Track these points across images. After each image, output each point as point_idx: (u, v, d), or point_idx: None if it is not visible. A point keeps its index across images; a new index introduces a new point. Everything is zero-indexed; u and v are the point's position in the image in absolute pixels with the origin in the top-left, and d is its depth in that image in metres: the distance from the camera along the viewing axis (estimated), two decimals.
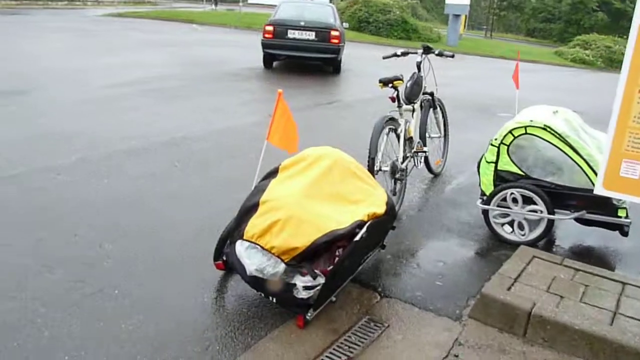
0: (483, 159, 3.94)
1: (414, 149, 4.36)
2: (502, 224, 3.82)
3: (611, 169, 2.63)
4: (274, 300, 2.73)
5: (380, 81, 4.09)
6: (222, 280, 3.07)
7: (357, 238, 2.68)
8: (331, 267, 2.68)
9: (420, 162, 4.52)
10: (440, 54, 4.61)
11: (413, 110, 4.47)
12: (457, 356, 2.56)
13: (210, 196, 4.32)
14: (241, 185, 4.55)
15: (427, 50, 4.60)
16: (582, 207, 3.55)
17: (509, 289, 2.88)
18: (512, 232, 3.79)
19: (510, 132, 3.67)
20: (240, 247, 2.69)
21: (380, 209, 2.91)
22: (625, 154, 2.58)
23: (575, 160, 3.51)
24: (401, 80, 4.09)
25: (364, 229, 2.72)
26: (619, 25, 36.15)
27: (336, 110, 8.04)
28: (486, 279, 3.27)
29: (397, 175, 4.01)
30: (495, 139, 3.73)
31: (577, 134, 3.63)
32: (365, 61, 14.48)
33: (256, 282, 2.66)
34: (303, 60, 11.44)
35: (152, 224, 3.72)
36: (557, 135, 3.53)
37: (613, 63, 24.80)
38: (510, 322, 2.74)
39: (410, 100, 4.40)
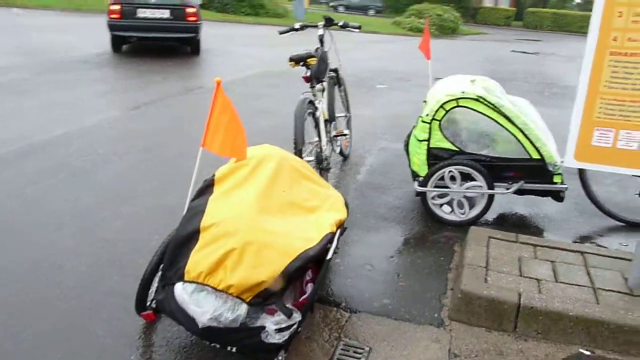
0: (412, 137, 3.65)
1: (334, 133, 3.92)
2: (441, 205, 3.58)
3: (582, 138, 2.46)
4: (234, 350, 2.13)
5: (291, 59, 3.55)
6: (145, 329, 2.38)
7: (329, 256, 2.17)
8: (305, 296, 2.15)
9: (338, 146, 4.10)
10: (344, 26, 4.18)
11: (323, 90, 4.01)
12: None
13: (101, 214, 3.46)
14: (133, 197, 3.77)
15: (329, 23, 4.14)
16: (519, 177, 3.44)
17: (485, 280, 2.61)
18: (451, 212, 3.57)
19: (441, 106, 3.40)
20: (182, 291, 2.03)
21: (342, 213, 2.43)
22: (596, 122, 2.42)
23: (510, 131, 3.35)
24: (315, 57, 3.59)
25: (335, 243, 2.22)
26: None
27: (211, 95, 7.25)
28: (446, 270, 3.00)
29: (324, 165, 3.55)
30: (427, 115, 3.43)
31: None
32: (222, 39, 13.62)
33: (211, 333, 2.03)
34: (157, 41, 10.28)
35: (28, 259, 2.82)
36: (491, 106, 3.33)
37: (444, 30, 26.77)
38: (498, 318, 2.48)
39: (318, 78, 3.92)
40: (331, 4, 38.25)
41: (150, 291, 2.30)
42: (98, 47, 10.32)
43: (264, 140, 5.16)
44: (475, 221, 3.52)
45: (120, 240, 3.19)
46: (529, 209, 3.87)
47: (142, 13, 9.41)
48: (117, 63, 9.30)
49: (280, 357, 2.13)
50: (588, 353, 2.34)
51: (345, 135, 4.04)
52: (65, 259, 2.94)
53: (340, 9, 36.04)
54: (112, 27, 9.45)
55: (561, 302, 2.44)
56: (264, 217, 2.11)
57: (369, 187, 4.19)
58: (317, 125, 3.65)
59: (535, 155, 3.36)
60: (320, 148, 3.60)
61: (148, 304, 2.32)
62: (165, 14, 9.48)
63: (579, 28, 38.06)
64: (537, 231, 3.57)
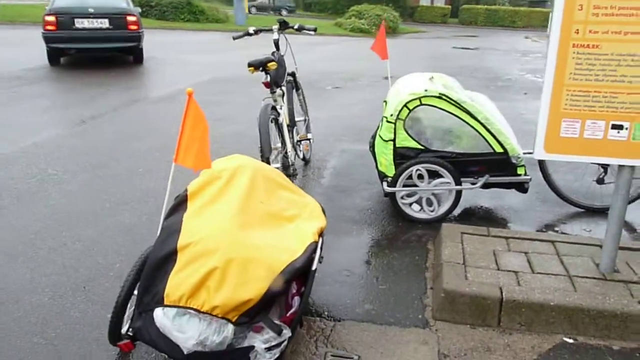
0: (377, 138, 3.63)
1: (297, 138, 3.84)
2: (410, 204, 3.57)
3: (551, 130, 2.49)
4: None
5: (250, 65, 3.46)
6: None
7: (314, 266, 2.10)
8: (292, 311, 2.07)
9: (300, 151, 4.03)
10: (300, 29, 4.11)
11: (283, 94, 3.93)
12: None
13: (57, 238, 3.23)
14: (90, 218, 3.55)
15: (283, 26, 4.06)
16: (484, 171, 3.48)
17: (465, 277, 2.61)
18: (420, 209, 3.57)
19: (405, 105, 3.39)
20: (163, 317, 1.90)
21: (322, 220, 2.36)
22: (564, 113, 2.46)
23: (472, 126, 3.39)
24: (275, 61, 3.51)
25: (319, 252, 2.15)
26: None
27: (162, 105, 7.02)
28: (424, 269, 2.99)
29: (290, 171, 3.48)
30: (391, 115, 3.42)
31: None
32: (164, 47, 13.27)
33: (196, 359, 1.91)
34: (97, 52, 9.87)
35: None
36: (453, 103, 3.36)
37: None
38: (482, 314, 2.48)
39: (277, 83, 3.85)
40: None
41: (124, 319, 2.15)
42: (33, 60, 9.80)
43: (227, 148, 5.05)
44: (444, 217, 3.55)
45: (82, 265, 2.99)
46: (493, 201, 3.93)
47: (80, 23, 9.02)
48: (55, 77, 8.84)
49: None
50: (571, 341, 2.38)
51: (308, 139, 3.98)
52: (22, 291, 2.73)
53: (253, 10, 35.46)
54: (48, 39, 8.99)
55: (541, 292, 2.47)
56: (245, 231, 2.01)
57: (335, 190, 4.15)
58: (280, 131, 3.57)
59: (499, 149, 3.42)
60: (286, 154, 3.52)
61: (123, 332, 2.17)
62: (105, 23, 9.11)
63: (511, 22, 39.78)
64: (504, 223, 3.63)
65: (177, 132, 5.99)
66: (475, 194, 3.92)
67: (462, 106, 3.36)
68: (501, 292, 2.47)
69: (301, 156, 4.12)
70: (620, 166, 2.52)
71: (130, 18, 9.30)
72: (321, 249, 2.20)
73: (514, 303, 2.44)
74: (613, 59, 2.34)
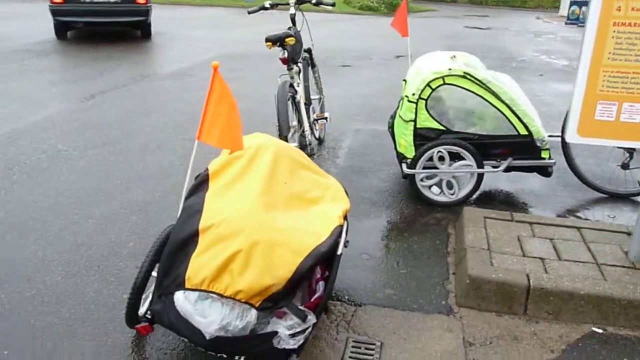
0: (397, 118, 3.52)
1: (314, 116, 3.74)
2: (430, 186, 3.48)
3: (586, 113, 2.39)
4: (242, 359, 1.96)
5: (267, 40, 3.34)
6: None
7: (340, 250, 2.02)
8: (317, 296, 2.00)
9: (317, 130, 3.93)
10: (318, 3, 3.97)
11: (299, 72, 3.81)
12: None
13: (69, 216, 3.17)
14: (102, 195, 3.49)
15: (300, 1, 3.92)
16: (507, 154, 3.38)
17: (491, 264, 2.54)
18: (440, 192, 3.48)
19: (428, 84, 3.28)
20: (185, 301, 1.84)
21: (346, 203, 2.28)
22: (600, 95, 2.35)
23: (497, 107, 3.28)
24: (293, 37, 3.38)
25: (344, 236, 2.07)
26: None
27: (172, 81, 6.89)
28: (445, 254, 2.92)
29: (308, 151, 3.39)
30: (413, 94, 3.31)
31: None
32: (172, 22, 13.05)
33: (218, 344, 1.85)
34: (105, 26, 9.71)
35: None
36: (478, 82, 3.24)
37: (394, 8, 26.76)
38: (508, 301, 2.41)
39: (294, 60, 3.73)
40: None
41: (141, 301, 2.09)
42: (40, 34, 9.67)
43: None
44: (464, 201, 3.46)
45: (95, 244, 2.93)
46: (514, 185, 3.84)
47: None
48: (63, 51, 8.71)
49: None
50: (600, 331, 2.31)
51: (325, 118, 3.88)
52: (34, 269, 2.67)
53: None
54: (55, 12, 8.82)
55: (570, 280, 2.39)
56: (269, 213, 1.93)
57: (351, 170, 4.05)
58: (297, 109, 3.46)
59: (523, 132, 3.31)
60: (303, 133, 3.42)
61: (141, 314, 2.11)
62: None
63: (522, 3, 39.06)
64: (526, 208, 3.54)
65: (190, 108, 5.92)
66: (495, 177, 3.82)
67: (487, 86, 3.24)
68: (528, 280, 2.40)
69: (317, 135, 4.02)
70: None
71: None
72: (346, 232, 2.13)
73: (542, 291, 2.36)
74: None
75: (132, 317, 2.09)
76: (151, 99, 5.96)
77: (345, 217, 2.19)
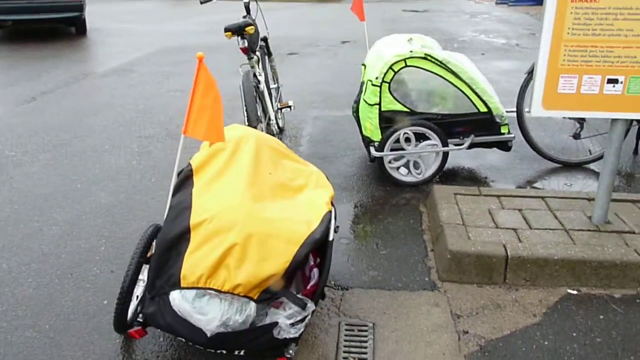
0: (362, 102, 3.55)
1: (278, 105, 3.71)
2: (398, 168, 3.55)
3: (549, 87, 2.49)
4: (242, 353, 1.94)
5: (227, 30, 3.28)
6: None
7: (331, 237, 2.03)
8: (312, 283, 2.00)
9: (281, 119, 3.90)
10: None
11: (258, 60, 3.76)
12: (467, 332, 2.22)
13: (30, 224, 3.01)
14: (63, 200, 3.32)
15: None
16: (469, 132, 3.49)
17: (468, 237, 2.63)
18: (408, 173, 3.56)
19: (390, 67, 3.32)
20: (182, 300, 1.79)
21: (329, 189, 2.29)
22: (562, 69, 2.46)
23: (457, 86, 3.37)
24: (253, 26, 3.33)
25: (333, 221, 2.09)
26: None
27: (115, 78, 6.62)
28: (420, 231, 2.99)
29: None
30: (376, 78, 3.34)
31: None
32: (106, 17, 12.52)
33: (219, 341, 1.83)
34: (36, 24, 9.17)
35: None
36: (439, 63, 3.32)
37: None
38: (488, 272, 2.51)
39: (252, 49, 3.67)
40: None
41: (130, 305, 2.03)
42: None
43: None
44: (431, 180, 3.55)
45: (64, 251, 2.80)
46: (475, 161, 3.96)
47: None
48: None
49: (291, 351, 1.98)
50: (575, 292, 2.44)
51: (290, 107, 3.85)
52: (1, 283, 2.53)
53: None
54: None
55: (544, 247, 2.52)
56: (259, 204, 1.91)
57: (315, 157, 4.05)
58: (261, 99, 3.42)
59: (483, 109, 3.42)
60: (269, 122, 3.39)
61: (129, 318, 2.04)
62: None
63: None
64: (489, 182, 3.67)
65: (140, 105, 5.74)
66: (456, 155, 3.94)
67: (447, 66, 3.32)
68: (505, 250, 2.50)
69: (281, 124, 3.99)
70: (614, 120, 2.57)
71: None
72: (335, 218, 2.14)
73: (519, 259, 2.47)
74: (610, 13, 2.35)
75: (121, 323, 2.02)
76: (97, 98, 5.71)
77: (331, 203, 2.20)
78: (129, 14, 13.92)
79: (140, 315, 1.97)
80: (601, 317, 2.29)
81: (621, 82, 2.45)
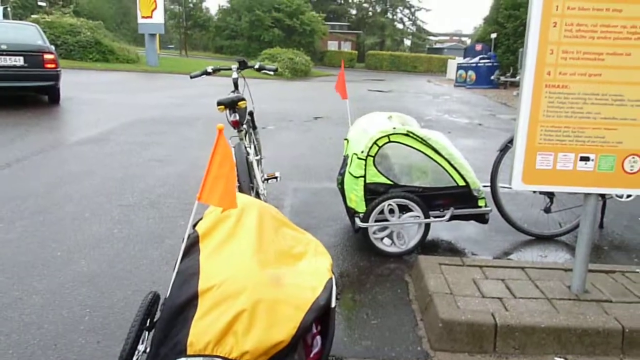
0: (346, 175, 3.69)
1: (265, 176, 3.80)
2: (382, 238, 3.64)
3: (528, 163, 2.69)
4: None
5: (219, 103, 3.42)
6: None
7: (333, 303, 2.07)
8: (316, 351, 2.01)
9: (265, 190, 3.98)
10: (261, 69, 4.14)
11: (246, 133, 3.90)
12: None
13: (9, 293, 2.90)
14: (42, 268, 3.23)
15: (243, 65, 4.06)
16: (449, 204, 3.64)
17: (457, 307, 2.69)
18: (392, 243, 3.65)
19: (375, 142, 3.50)
20: None
21: (328, 256, 2.34)
22: (539, 147, 2.67)
23: (437, 162, 3.56)
24: (245, 100, 3.48)
25: (334, 287, 2.13)
26: (292, 39, 41.09)
27: (91, 146, 6.62)
28: (408, 301, 3.04)
29: None
30: (362, 152, 3.51)
31: None
32: (78, 87, 12.64)
33: None
34: (11, 91, 9.17)
35: None
36: (420, 139, 3.52)
37: (297, 72, 27.98)
38: (479, 341, 2.56)
39: (241, 122, 3.81)
40: None
41: None
42: None
43: (179, 189, 4.86)
44: (413, 250, 3.65)
45: (46, 321, 2.70)
46: (453, 233, 4.11)
47: None
48: None
49: None
50: None
51: (276, 177, 3.95)
52: None
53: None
54: None
55: (530, 316, 2.60)
56: (266, 270, 1.95)
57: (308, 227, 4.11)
58: (250, 169, 3.51)
59: (461, 183, 3.61)
60: (257, 193, 3.46)
61: None
62: (19, 61, 8.53)
63: (412, 67, 42.64)
64: (468, 253, 3.79)
65: (119, 174, 5.76)
66: (435, 228, 4.08)
67: (427, 143, 3.53)
68: (494, 318, 2.57)
69: (266, 195, 4.07)
70: (587, 194, 2.77)
71: (47, 56, 8.80)
72: (335, 285, 2.18)
73: (508, 328, 2.54)
74: (580, 98, 2.60)
75: None
76: (74, 165, 5.68)
77: (332, 270, 2.25)
78: (100, 84, 14.13)
79: None
80: None
81: (592, 160, 2.67)
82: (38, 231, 3.85)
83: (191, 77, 4.07)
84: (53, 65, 8.91)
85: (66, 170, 5.46)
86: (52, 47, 9.35)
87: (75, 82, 13.51)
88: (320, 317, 2.08)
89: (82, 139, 7.03)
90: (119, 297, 2.98)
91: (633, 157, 2.67)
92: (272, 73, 4.20)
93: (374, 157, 3.52)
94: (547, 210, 3.98)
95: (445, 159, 3.56)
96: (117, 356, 2.13)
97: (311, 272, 2.13)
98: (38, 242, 3.65)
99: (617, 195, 3.97)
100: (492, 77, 21.15)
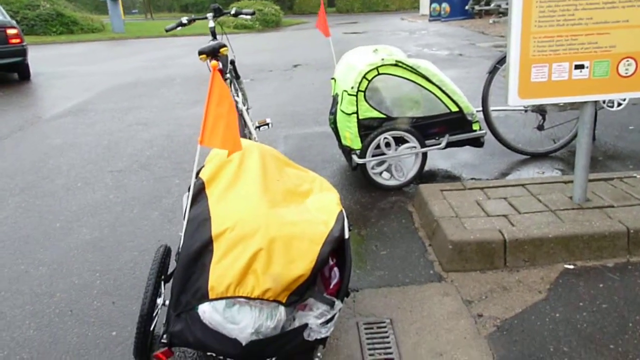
0: (338, 113, 3.63)
1: (257, 123, 3.74)
2: (380, 173, 3.63)
3: (523, 77, 2.65)
4: None
5: (201, 52, 3.30)
6: None
7: (347, 235, 2.07)
8: (335, 282, 2.02)
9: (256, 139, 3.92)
10: (237, 14, 3.98)
11: (231, 82, 3.80)
12: (481, 315, 2.29)
13: (15, 267, 2.87)
14: (44, 240, 3.20)
15: (218, 13, 3.91)
16: (444, 132, 3.62)
17: (464, 228, 2.72)
18: (391, 177, 3.65)
19: (364, 77, 3.43)
20: (213, 312, 1.77)
21: (334, 191, 2.33)
22: (533, 60, 2.63)
23: (429, 90, 3.51)
24: (226, 47, 3.37)
25: (345, 219, 2.12)
26: None
27: (71, 118, 6.43)
28: (414, 230, 3.07)
29: None
30: (352, 88, 3.44)
31: None
32: (48, 61, 12.22)
33: (252, 349, 1.81)
34: None
35: None
36: (409, 68, 3.46)
37: (268, 23, 27.23)
38: (489, 258, 2.60)
39: (224, 71, 3.71)
40: None
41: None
42: None
43: (167, 150, 4.78)
44: (412, 181, 3.65)
45: (57, 290, 2.69)
46: (449, 161, 4.12)
47: None
48: None
49: (319, 354, 1.99)
50: (572, 267, 2.57)
51: (268, 124, 3.88)
52: None
53: None
54: None
55: (537, 228, 2.64)
56: (276, 209, 1.93)
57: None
58: (243, 117, 3.44)
59: (455, 109, 3.58)
60: (250, 139, 3.40)
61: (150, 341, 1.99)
62: None
63: (384, 7, 41.67)
64: (467, 178, 3.81)
65: (105, 141, 5.63)
66: (431, 157, 4.07)
67: (417, 71, 3.47)
68: (502, 234, 2.61)
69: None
70: (584, 103, 2.76)
71: (10, 31, 8.43)
72: (347, 217, 2.17)
73: (517, 242, 2.58)
74: (571, 4, 2.55)
75: (142, 349, 1.97)
76: (57, 139, 5.54)
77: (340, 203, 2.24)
78: (68, 57, 13.64)
79: (165, 335, 1.92)
80: (601, 285, 2.42)
81: (587, 67, 2.64)
82: (32, 205, 3.78)
83: (166, 30, 3.92)
84: (18, 40, 8.55)
85: (49, 145, 5.32)
86: (14, 22, 8.95)
87: (43, 57, 13.04)
88: (335, 249, 2.09)
89: (60, 112, 6.84)
90: (126, 258, 2.97)
91: (627, 60, 2.65)
92: (249, 17, 4.05)
93: (364, 91, 3.46)
94: (540, 127, 3.99)
95: (437, 86, 3.51)
96: (135, 314, 2.15)
97: (321, 207, 2.11)
98: (35, 216, 3.59)
99: (608, 105, 3.97)
100: (467, 7, 20.76)
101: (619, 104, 4.00)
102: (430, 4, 23.07)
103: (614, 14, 2.58)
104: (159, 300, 2.05)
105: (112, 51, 14.87)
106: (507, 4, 15.18)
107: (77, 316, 2.47)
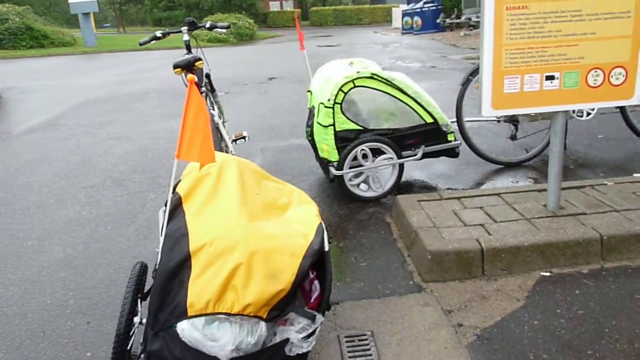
0: (315, 126, 3.64)
1: (233, 137, 3.71)
2: (358, 184, 3.65)
3: (496, 88, 2.70)
4: None
5: (176, 66, 3.28)
6: None
7: (326, 247, 2.06)
8: (315, 296, 2.01)
9: (232, 152, 3.90)
10: (212, 27, 3.97)
11: (207, 96, 3.77)
12: (461, 325, 2.30)
13: None
14: (16, 258, 3.11)
15: (192, 26, 3.89)
16: (419, 143, 3.66)
17: (442, 238, 2.74)
18: (368, 188, 3.66)
19: (340, 89, 3.45)
20: (192, 330, 1.74)
21: (313, 203, 2.32)
22: (505, 71, 2.68)
23: (404, 102, 3.55)
24: (202, 60, 3.35)
25: (325, 232, 2.12)
26: (232, 4, 39.79)
27: (43, 133, 6.29)
28: (392, 241, 3.08)
29: None
30: (328, 100, 3.45)
31: None
32: (16, 76, 11.96)
33: None
34: None
35: None
36: (385, 81, 3.49)
37: (242, 37, 27.26)
38: (468, 267, 2.62)
39: (199, 84, 3.69)
40: None
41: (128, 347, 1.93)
42: None
43: (142, 164, 4.71)
44: (390, 192, 3.67)
45: (29, 310, 2.60)
46: (425, 171, 4.16)
47: None
48: None
49: None
50: (548, 274, 2.61)
51: (244, 137, 3.87)
52: None
53: None
54: None
55: (513, 237, 2.68)
56: (256, 222, 1.91)
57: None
58: (219, 131, 3.42)
59: (429, 120, 3.62)
60: (227, 153, 3.38)
61: None
62: None
63: (357, 20, 42.18)
64: (443, 188, 3.85)
65: (77, 157, 5.54)
66: (407, 168, 4.10)
67: (392, 83, 3.50)
68: (480, 244, 2.64)
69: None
70: (555, 113, 2.82)
71: None
72: (325, 230, 2.17)
73: (494, 250, 2.61)
74: (540, 17, 2.61)
75: None
76: (27, 154, 5.41)
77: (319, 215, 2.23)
78: (39, 71, 13.40)
79: (142, 355, 1.87)
80: (577, 291, 2.46)
81: (557, 78, 2.71)
82: (2, 224, 3.67)
83: (140, 44, 3.88)
84: None
85: (20, 160, 5.20)
86: None
87: (12, 72, 12.78)
88: (315, 262, 2.08)
89: (31, 126, 6.69)
90: (101, 276, 2.90)
91: (595, 71, 2.72)
92: (224, 31, 4.05)
93: (340, 104, 3.47)
94: (513, 137, 4.06)
95: (412, 98, 3.55)
96: (111, 334, 2.10)
97: (300, 220, 2.10)
98: (5, 235, 3.49)
99: (577, 115, 4.07)
100: (438, 20, 21.17)
101: (588, 114, 4.10)
102: (403, 17, 23.45)
103: (582, 27, 2.65)
104: (136, 319, 2.00)
105: (84, 65, 14.68)
106: (477, 17, 15.56)
107: (50, 337, 2.39)
